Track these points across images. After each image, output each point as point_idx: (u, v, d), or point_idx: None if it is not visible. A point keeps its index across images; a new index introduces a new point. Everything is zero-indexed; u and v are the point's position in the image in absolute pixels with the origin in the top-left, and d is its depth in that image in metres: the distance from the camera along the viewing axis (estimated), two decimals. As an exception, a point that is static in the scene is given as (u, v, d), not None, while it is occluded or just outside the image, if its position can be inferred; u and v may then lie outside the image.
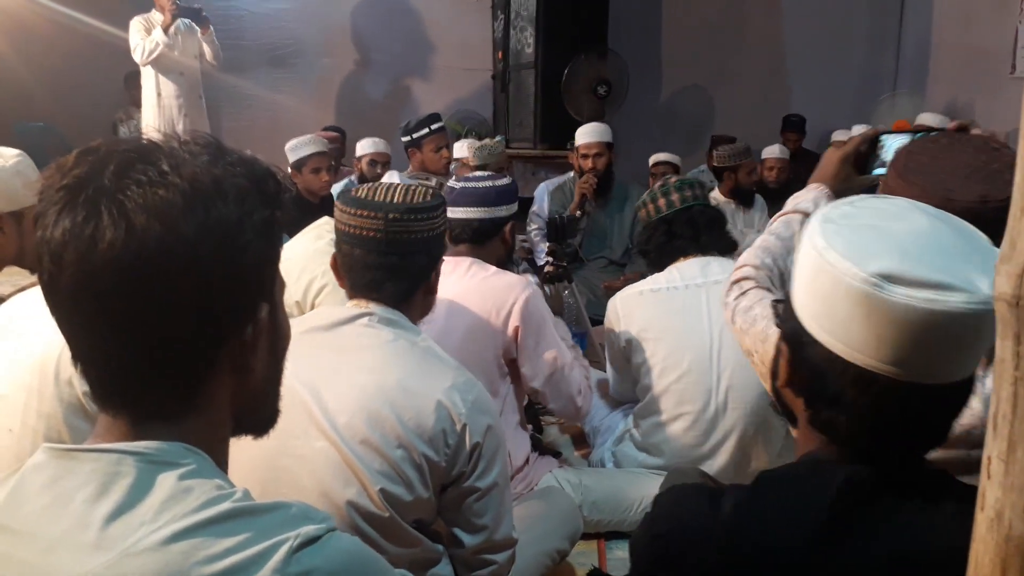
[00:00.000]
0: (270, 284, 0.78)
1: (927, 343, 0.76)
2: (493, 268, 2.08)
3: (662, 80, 6.67)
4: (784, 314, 0.91)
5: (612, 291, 4.10)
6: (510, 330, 1.98)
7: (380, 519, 1.31)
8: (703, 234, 2.30)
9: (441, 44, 6.64)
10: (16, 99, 6.27)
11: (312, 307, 2.47)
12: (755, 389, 2.13)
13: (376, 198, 1.42)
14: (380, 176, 4.52)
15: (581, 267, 4.23)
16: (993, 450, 0.50)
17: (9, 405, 1.48)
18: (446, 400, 1.33)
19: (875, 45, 6.55)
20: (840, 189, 1.41)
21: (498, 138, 4.24)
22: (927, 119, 4.88)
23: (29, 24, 5.88)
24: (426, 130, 3.93)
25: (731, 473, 2.14)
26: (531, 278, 2.20)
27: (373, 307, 1.43)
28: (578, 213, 4.07)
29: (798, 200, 1.44)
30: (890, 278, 0.76)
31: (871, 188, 1.49)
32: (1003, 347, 0.49)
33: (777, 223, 1.45)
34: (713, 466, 2.14)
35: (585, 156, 4.16)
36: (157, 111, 5.35)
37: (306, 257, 2.48)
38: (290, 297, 2.44)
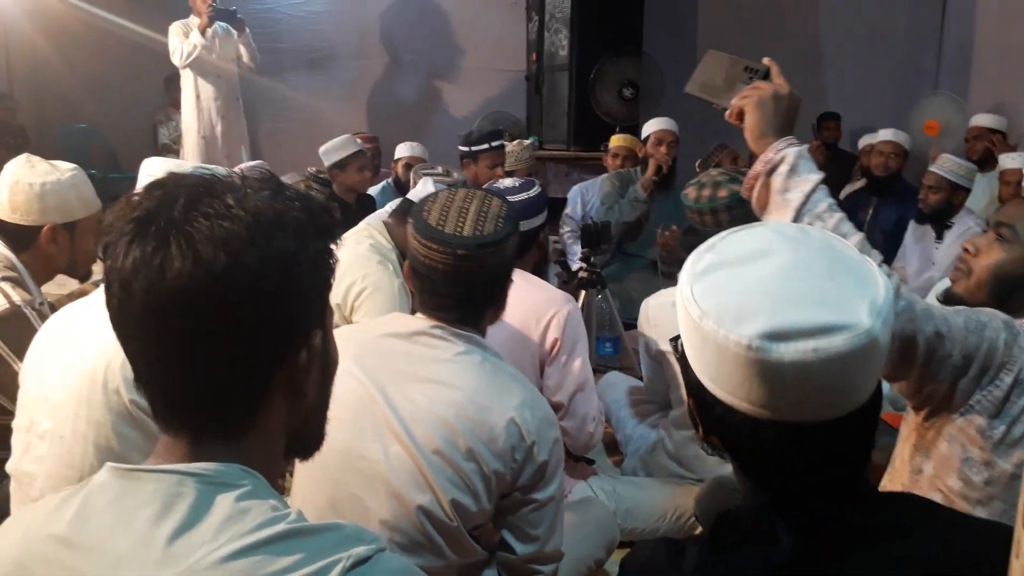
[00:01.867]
0: (322, 312, 0.82)
1: (826, 385, 0.75)
2: (536, 280, 2.09)
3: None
4: (683, 365, 0.89)
5: (666, 248, 4.04)
6: (548, 342, 1.99)
7: (447, 527, 1.34)
8: None
9: (475, 45, 6.67)
10: (60, 102, 6.44)
11: (351, 310, 2.52)
12: None
13: (446, 228, 1.41)
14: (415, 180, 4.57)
15: (617, 269, 4.18)
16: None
17: (62, 411, 1.53)
18: (518, 418, 1.35)
19: (915, 44, 6.45)
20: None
21: (528, 141, 4.21)
22: (982, 120, 4.81)
23: (72, 30, 6.02)
24: (486, 146, 3.89)
25: None
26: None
27: (444, 323, 1.45)
28: (653, 181, 3.96)
29: (805, 168, 1.23)
30: (771, 336, 0.74)
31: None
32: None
33: (832, 205, 1.23)
34: None
35: (659, 143, 4.10)
36: (196, 113, 5.46)
37: (347, 262, 2.53)
38: (331, 300, 2.48)
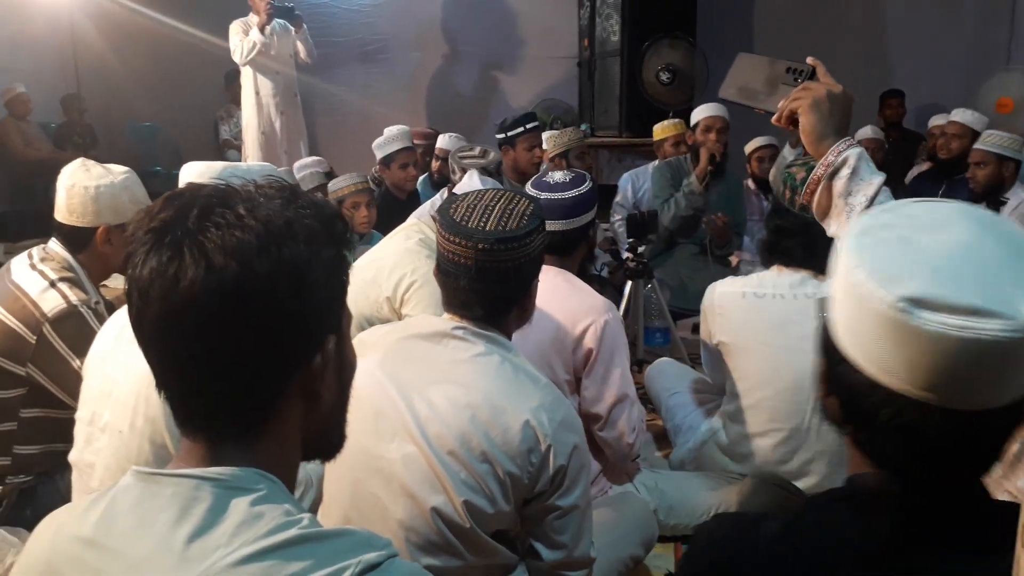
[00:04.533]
0: (337, 317, 0.83)
1: (962, 371, 0.71)
2: (579, 283, 2.05)
3: (754, 63, 6.48)
4: (822, 324, 0.86)
5: (719, 234, 3.91)
6: (582, 351, 1.94)
7: (461, 528, 1.34)
8: (818, 251, 1.93)
9: (528, 34, 6.65)
10: (126, 102, 6.66)
11: (401, 303, 2.55)
12: None
13: (470, 223, 1.41)
14: (441, 171, 4.61)
15: (666, 256, 4.13)
16: None
17: (122, 407, 1.59)
18: (533, 420, 1.34)
19: (986, 18, 6.17)
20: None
21: (571, 129, 4.17)
22: None
23: (135, 33, 6.21)
24: (521, 129, 3.89)
25: (819, 489, 2.02)
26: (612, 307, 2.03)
27: (468, 323, 1.46)
28: (708, 172, 3.82)
29: (867, 170, 1.21)
30: (919, 302, 0.70)
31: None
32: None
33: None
34: (800, 484, 2.05)
35: (709, 129, 3.94)
36: (255, 110, 5.57)
37: (396, 256, 2.58)
38: (381, 294, 2.53)
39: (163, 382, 0.78)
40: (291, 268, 0.74)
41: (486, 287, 1.43)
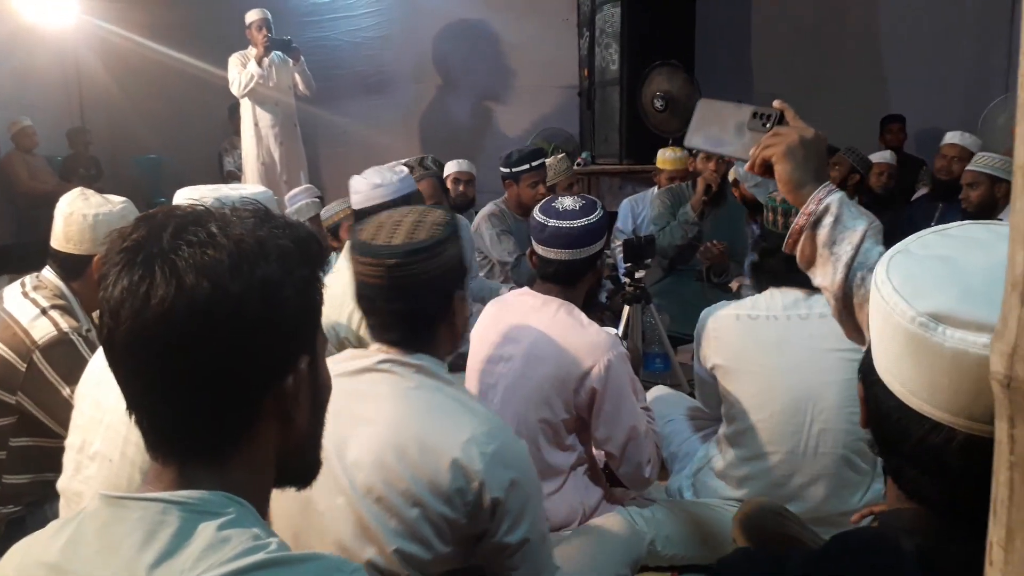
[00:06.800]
0: (311, 337, 0.82)
1: (985, 393, 0.64)
2: (582, 318, 1.98)
3: (753, 91, 6.51)
4: (867, 346, 0.84)
5: (714, 261, 3.90)
6: (585, 392, 1.88)
7: None
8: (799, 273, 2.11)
9: (528, 63, 6.70)
10: (131, 135, 6.74)
11: (359, 341, 2.38)
12: (850, 434, 2.00)
13: (378, 241, 1.34)
14: (464, 194, 4.60)
15: (669, 284, 4.12)
16: (994, 536, 0.47)
17: (112, 434, 1.58)
18: (462, 457, 1.26)
19: (984, 43, 6.19)
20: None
21: (562, 154, 4.18)
22: None
23: (139, 67, 6.32)
24: (527, 166, 3.89)
25: (818, 514, 2.02)
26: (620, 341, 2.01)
27: (395, 352, 1.37)
28: (703, 202, 3.86)
29: (850, 216, 1.17)
30: (941, 318, 0.68)
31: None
32: (999, 429, 0.46)
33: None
34: (798, 508, 2.01)
35: (709, 158, 3.95)
36: (255, 140, 5.63)
37: (343, 288, 2.42)
38: (341, 332, 2.40)
39: (133, 403, 0.77)
40: (263, 287, 0.74)
41: (404, 306, 1.35)
